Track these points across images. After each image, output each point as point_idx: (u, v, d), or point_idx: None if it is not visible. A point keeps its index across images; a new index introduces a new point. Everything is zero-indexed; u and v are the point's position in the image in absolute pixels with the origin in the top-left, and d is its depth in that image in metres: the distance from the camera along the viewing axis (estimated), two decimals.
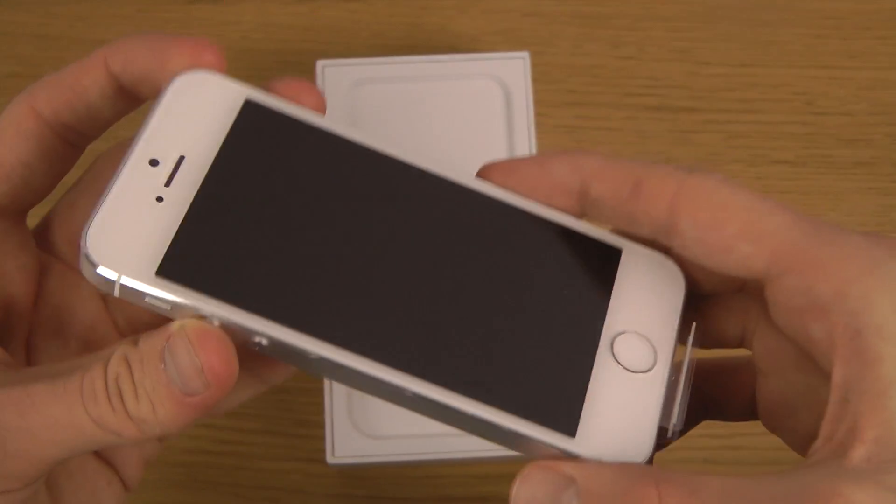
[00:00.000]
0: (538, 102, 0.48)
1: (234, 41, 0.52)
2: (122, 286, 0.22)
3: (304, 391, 0.44)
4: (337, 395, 0.41)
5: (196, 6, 0.53)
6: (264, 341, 0.22)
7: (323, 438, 0.41)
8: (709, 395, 0.26)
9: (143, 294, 0.22)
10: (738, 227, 0.22)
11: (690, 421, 0.25)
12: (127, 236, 0.22)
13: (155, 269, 0.22)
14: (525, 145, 0.46)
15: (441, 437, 0.40)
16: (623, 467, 0.21)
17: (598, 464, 0.21)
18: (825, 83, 0.52)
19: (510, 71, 0.47)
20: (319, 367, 0.23)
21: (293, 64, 0.51)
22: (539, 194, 0.24)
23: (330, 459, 0.41)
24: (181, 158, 0.23)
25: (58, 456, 0.22)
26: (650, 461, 0.22)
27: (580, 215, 0.24)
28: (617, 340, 0.23)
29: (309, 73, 0.46)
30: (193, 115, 0.24)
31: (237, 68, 0.51)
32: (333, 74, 0.46)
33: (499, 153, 0.46)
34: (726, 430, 0.29)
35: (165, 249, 0.22)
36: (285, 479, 0.43)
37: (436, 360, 0.22)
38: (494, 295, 0.24)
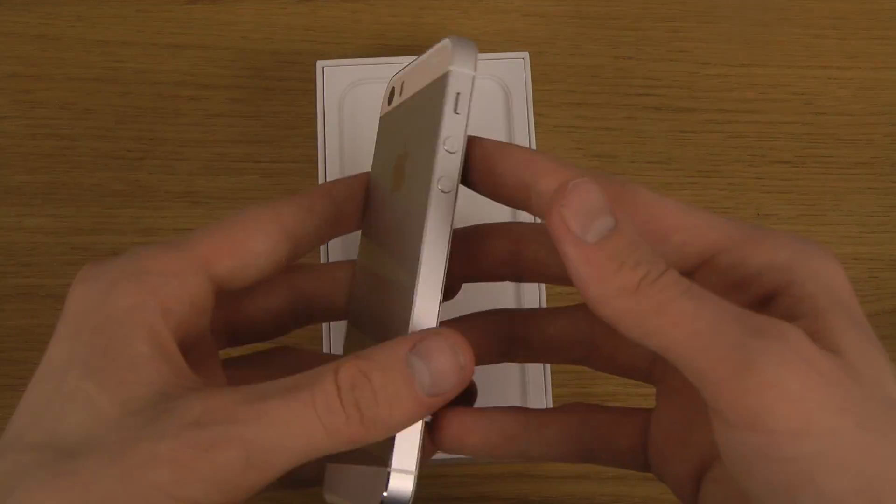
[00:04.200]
0: (538, 102, 0.48)
1: (234, 41, 0.52)
2: None
3: None
4: None
5: (196, 6, 0.53)
6: None
7: None
8: (589, 437, 0.29)
9: None
10: (672, 222, 0.25)
11: (569, 456, 0.29)
12: None
13: None
14: (525, 145, 0.46)
15: None
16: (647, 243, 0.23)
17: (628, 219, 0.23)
18: (825, 83, 0.52)
19: (510, 71, 0.47)
20: None
21: (293, 64, 0.51)
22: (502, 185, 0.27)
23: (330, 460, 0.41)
24: None
25: (286, 467, 0.23)
26: None
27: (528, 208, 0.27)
28: None
29: (309, 73, 0.47)
30: None
31: (237, 68, 0.52)
32: (333, 74, 0.46)
33: None
34: None
35: None
36: None
37: None
38: None
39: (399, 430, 0.24)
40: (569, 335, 0.30)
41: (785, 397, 0.21)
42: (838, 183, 0.50)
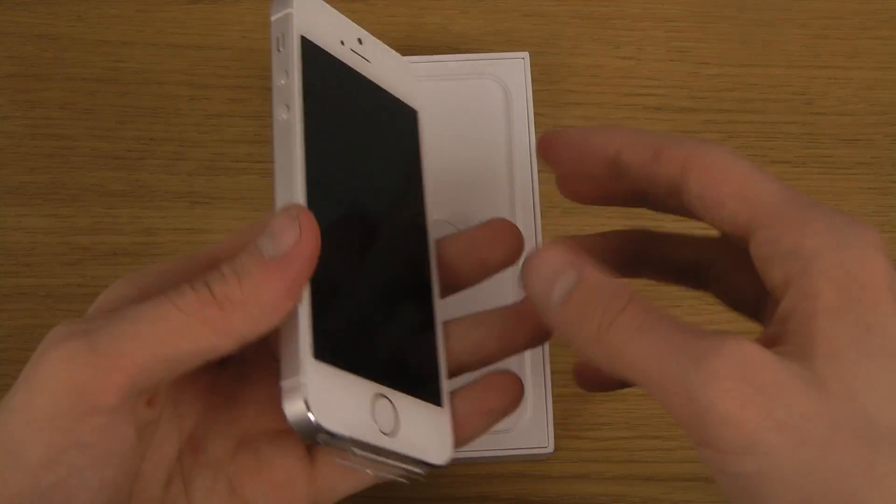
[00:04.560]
0: (538, 102, 0.48)
1: (234, 41, 0.52)
2: None
3: None
4: None
5: (196, 6, 0.53)
6: None
7: None
8: (707, 262, 0.31)
9: None
10: (731, 188, 0.26)
11: (681, 278, 0.32)
12: None
13: None
14: (525, 145, 0.46)
15: None
16: (613, 279, 0.25)
17: (597, 266, 0.26)
18: (825, 83, 0.52)
19: (510, 71, 0.47)
20: None
21: None
22: (579, 159, 0.29)
23: None
24: None
25: (151, 354, 0.23)
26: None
27: (613, 177, 0.28)
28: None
29: None
30: None
31: (237, 68, 0.52)
32: None
33: (499, 153, 0.46)
34: None
35: None
36: None
37: None
38: None
39: (265, 306, 0.24)
40: (690, 264, 0.32)
41: (725, 421, 0.22)
42: (838, 183, 0.50)
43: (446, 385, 0.29)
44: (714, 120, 0.51)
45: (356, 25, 0.31)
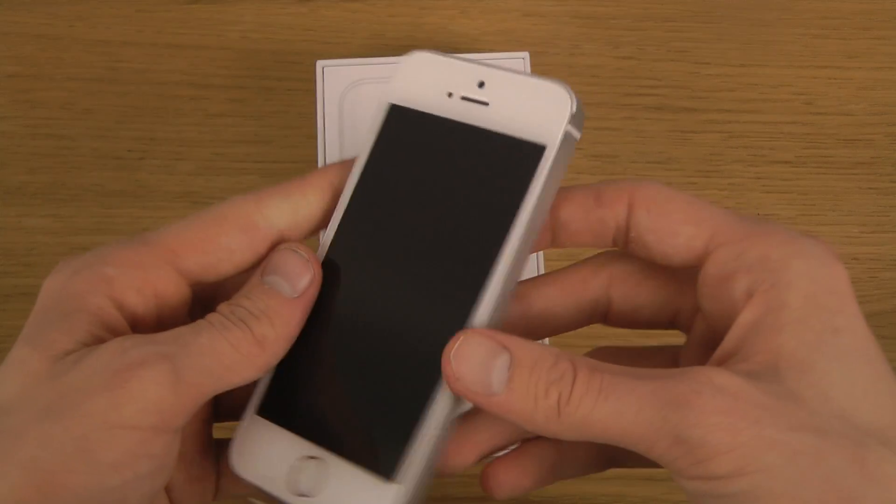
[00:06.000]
0: None
1: (234, 41, 0.52)
2: None
3: None
4: None
5: (196, 6, 0.53)
6: None
7: None
8: (612, 448, 0.30)
9: None
10: (681, 216, 0.26)
11: (596, 468, 0.31)
12: None
13: None
14: None
15: None
16: (545, 347, 0.25)
17: (527, 341, 0.25)
18: (825, 83, 0.52)
19: None
20: None
21: (293, 64, 0.51)
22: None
23: None
24: None
25: (213, 388, 0.25)
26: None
27: (553, 239, 0.28)
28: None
29: (309, 73, 0.47)
30: None
31: (237, 68, 0.52)
32: (333, 74, 0.46)
33: None
34: None
35: None
36: None
37: None
38: None
39: (289, 342, 0.26)
40: (584, 299, 0.31)
41: (714, 452, 0.22)
42: (838, 183, 0.50)
43: (420, 462, 0.26)
44: (714, 120, 0.51)
45: (482, 68, 0.28)
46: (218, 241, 0.28)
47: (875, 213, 0.49)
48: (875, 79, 0.52)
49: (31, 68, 0.51)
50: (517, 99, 0.28)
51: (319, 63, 0.46)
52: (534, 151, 0.27)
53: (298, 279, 0.27)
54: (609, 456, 0.30)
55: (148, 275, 0.27)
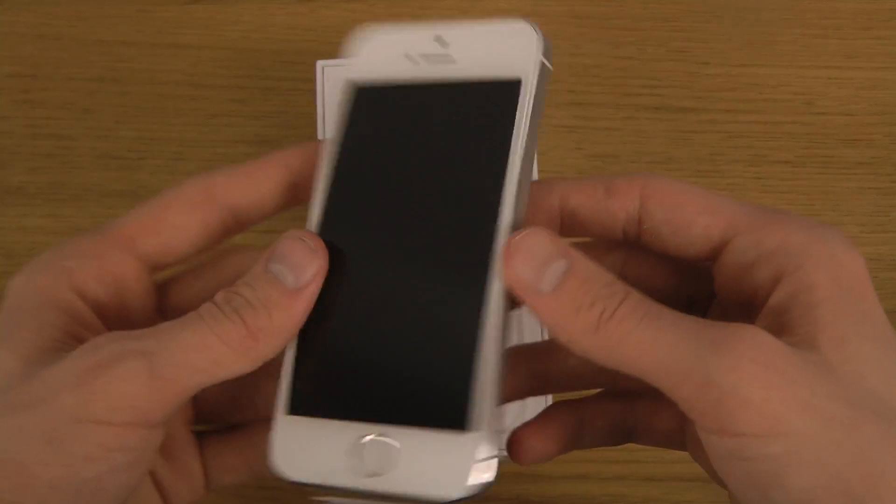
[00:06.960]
0: None
1: (234, 41, 0.52)
2: None
3: None
4: None
5: (196, 6, 0.53)
6: None
7: None
8: (633, 421, 0.30)
9: None
10: (696, 207, 0.26)
11: (615, 441, 0.30)
12: None
13: None
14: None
15: None
16: (604, 269, 0.25)
17: (587, 258, 0.25)
18: (825, 83, 0.52)
19: None
20: None
21: (293, 64, 0.51)
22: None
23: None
24: None
25: (195, 382, 0.24)
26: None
27: (561, 227, 0.28)
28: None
29: (309, 73, 0.47)
30: None
31: (237, 68, 0.52)
32: (333, 74, 0.46)
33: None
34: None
35: None
36: None
37: None
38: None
39: (288, 334, 0.25)
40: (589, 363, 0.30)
41: (747, 405, 0.22)
42: (838, 183, 0.50)
43: (489, 405, 0.25)
44: (714, 120, 0.51)
45: (433, 26, 0.29)
46: (169, 220, 0.28)
47: (875, 213, 0.49)
48: (875, 79, 0.52)
49: (31, 68, 0.51)
50: (481, 46, 0.28)
51: (319, 63, 0.46)
52: (512, 88, 0.27)
53: (302, 270, 0.26)
54: (628, 429, 0.30)
55: (105, 262, 0.27)
